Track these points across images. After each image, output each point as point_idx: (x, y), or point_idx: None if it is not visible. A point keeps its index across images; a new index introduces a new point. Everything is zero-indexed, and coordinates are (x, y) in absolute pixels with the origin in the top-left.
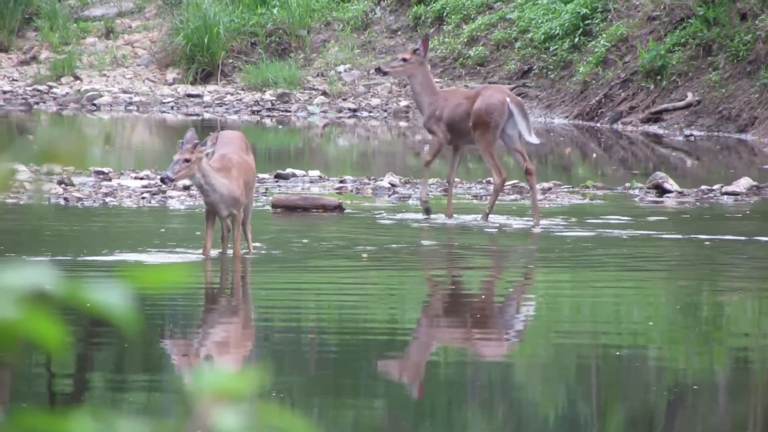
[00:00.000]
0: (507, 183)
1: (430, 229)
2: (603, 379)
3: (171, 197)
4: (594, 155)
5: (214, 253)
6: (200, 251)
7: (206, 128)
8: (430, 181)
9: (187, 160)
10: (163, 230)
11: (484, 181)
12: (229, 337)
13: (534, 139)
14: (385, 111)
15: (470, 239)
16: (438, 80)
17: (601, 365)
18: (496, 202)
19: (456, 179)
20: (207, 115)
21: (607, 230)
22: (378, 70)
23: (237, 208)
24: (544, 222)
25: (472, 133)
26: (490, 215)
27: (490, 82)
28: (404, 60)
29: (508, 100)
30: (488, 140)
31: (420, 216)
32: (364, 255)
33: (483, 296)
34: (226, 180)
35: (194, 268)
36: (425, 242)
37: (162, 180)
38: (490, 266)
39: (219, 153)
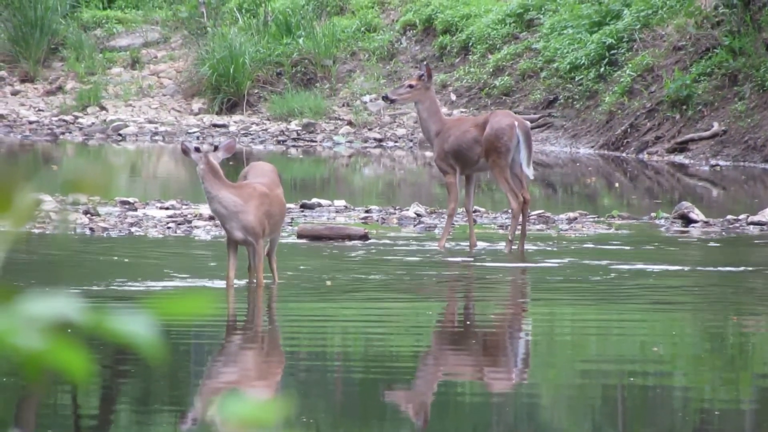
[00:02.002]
0: (533, 212)
1: (454, 260)
2: (628, 410)
3: (197, 227)
4: (617, 184)
5: (241, 282)
6: (224, 281)
7: (231, 157)
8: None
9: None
10: (189, 260)
11: (510, 210)
12: (252, 366)
13: (530, 172)
14: (411, 141)
15: (492, 270)
16: (464, 110)
17: (627, 398)
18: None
19: (481, 209)
20: None
21: (632, 261)
22: (385, 98)
23: (254, 237)
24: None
25: (480, 159)
26: (514, 243)
27: (515, 112)
28: (411, 86)
29: (516, 124)
30: (501, 166)
31: (445, 245)
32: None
33: (508, 328)
34: (238, 199)
35: (218, 298)
36: (448, 272)
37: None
38: (515, 297)
39: (248, 181)
